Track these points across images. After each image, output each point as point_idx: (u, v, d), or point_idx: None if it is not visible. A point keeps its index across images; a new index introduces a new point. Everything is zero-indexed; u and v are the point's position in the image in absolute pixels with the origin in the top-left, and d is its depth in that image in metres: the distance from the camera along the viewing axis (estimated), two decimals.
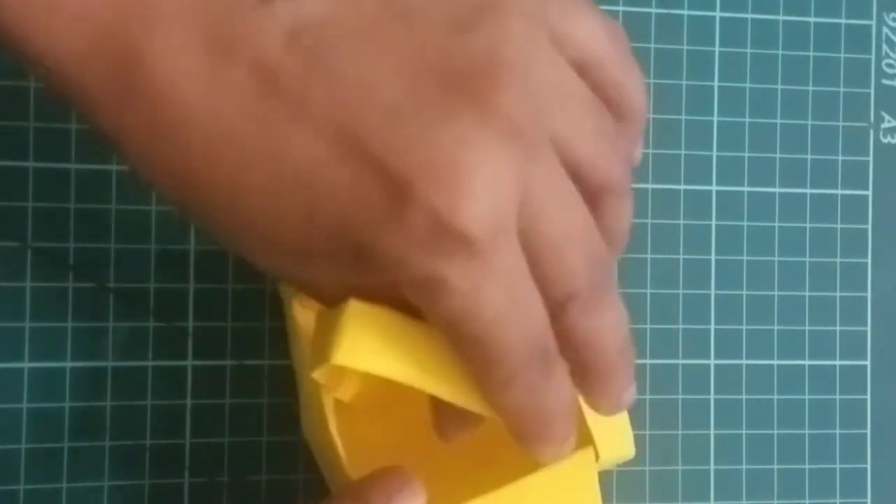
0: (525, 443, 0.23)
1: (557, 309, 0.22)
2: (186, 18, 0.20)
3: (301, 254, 0.21)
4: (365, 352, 0.22)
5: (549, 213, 0.21)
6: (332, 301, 0.23)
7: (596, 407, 0.25)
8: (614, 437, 0.29)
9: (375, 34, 0.20)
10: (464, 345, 0.22)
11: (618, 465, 0.34)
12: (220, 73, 0.20)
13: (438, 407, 0.25)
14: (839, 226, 0.36)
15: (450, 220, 0.19)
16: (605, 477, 0.34)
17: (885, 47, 0.36)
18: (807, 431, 0.35)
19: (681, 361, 0.34)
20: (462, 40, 0.20)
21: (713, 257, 0.35)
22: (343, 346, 0.22)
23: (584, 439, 0.27)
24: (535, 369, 0.22)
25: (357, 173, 0.20)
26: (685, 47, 0.35)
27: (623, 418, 0.29)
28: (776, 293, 0.35)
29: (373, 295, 0.22)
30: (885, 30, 0.36)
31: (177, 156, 0.21)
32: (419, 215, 0.19)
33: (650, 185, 0.34)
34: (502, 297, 0.21)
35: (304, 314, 0.29)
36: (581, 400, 0.25)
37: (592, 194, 0.23)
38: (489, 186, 0.20)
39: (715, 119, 0.35)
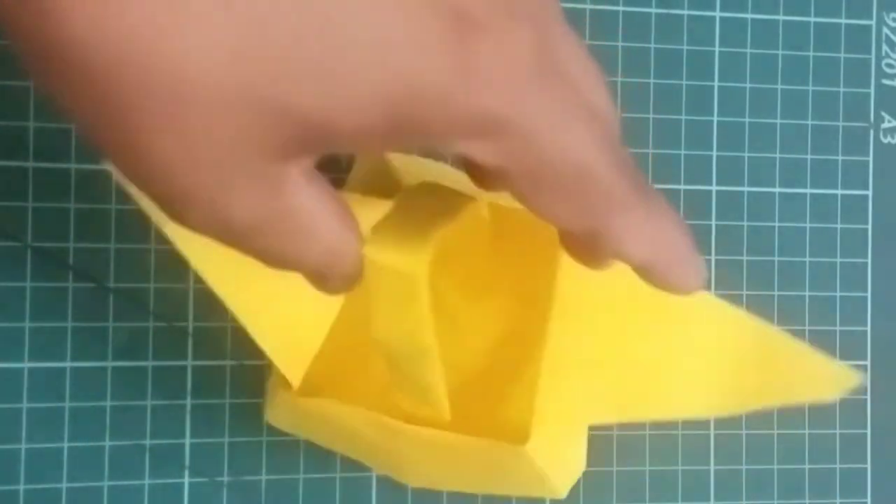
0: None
1: None
2: None
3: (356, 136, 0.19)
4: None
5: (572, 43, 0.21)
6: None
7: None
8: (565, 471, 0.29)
9: None
10: (558, 185, 0.20)
11: (618, 466, 0.34)
12: None
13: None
14: (839, 226, 0.36)
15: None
16: (605, 476, 0.34)
17: (885, 47, 0.36)
18: (807, 432, 0.35)
19: None
20: None
21: (713, 257, 0.35)
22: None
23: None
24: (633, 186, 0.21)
25: (417, 16, 0.18)
26: (685, 47, 0.35)
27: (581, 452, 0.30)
28: (776, 293, 0.35)
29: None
30: (885, 30, 0.36)
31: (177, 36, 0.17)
32: (487, 50, 0.18)
33: None
34: (583, 122, 0.20)
35: None
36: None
37: None
38: None
39: (715, 119, 0.35)
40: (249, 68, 0.17)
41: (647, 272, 0.23)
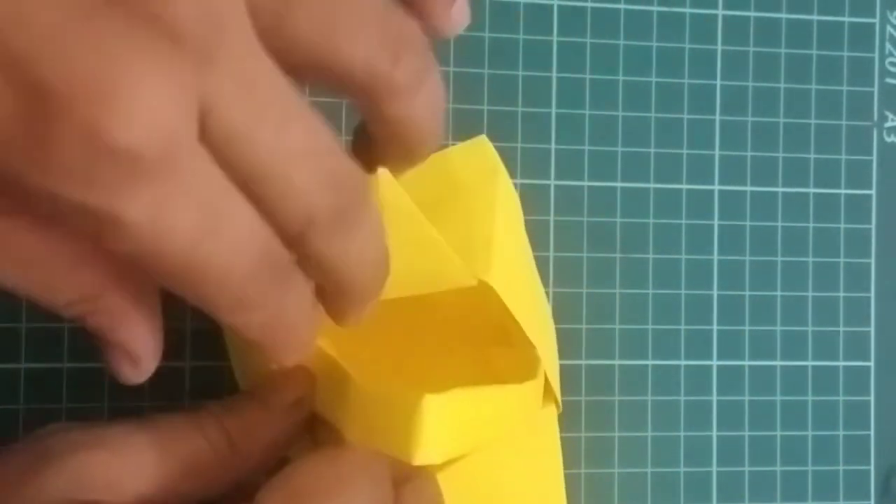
0: (268, 355, 0.22)
1: (296, 238, 0.20)
2: None
3: None
4: (443, 448, 0.24)
5: (250, 130, 0.18)
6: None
7: (338, 319, 0.23)
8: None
9: None
10: (168, 279, 0.19)
11: (619, 468, 0.33)
12: None
13: None
14: (842, 225, 0.36)
15: (104, 135, 0.16)
16: (606, 478, 0.33)
17: (888, 45, 0.36)
18: (810, 433, 0.35)
19: (683, 362, 0.34)
20: None
21: (715, 257, 0.35)
22: (422, 448, 0.23)
23: (547, 396, 0.28)
24: (265, 284, 0.20)
25: None
26: (687, 45, 0.35)
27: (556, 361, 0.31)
28: (779, 293, 0.35)
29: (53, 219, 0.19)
30: (888, 28, 0.36)
31: None
32: (68, 132, 0.16)
33: (652, 185, 0.34)
34: (195, 219, 0.18)
35: None
36: (546, 360, 0.27)
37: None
38: (148, 96, 0.17)
39: (717, 118, 0.35)
40: None
41: None
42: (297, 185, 0.19)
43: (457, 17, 0.25)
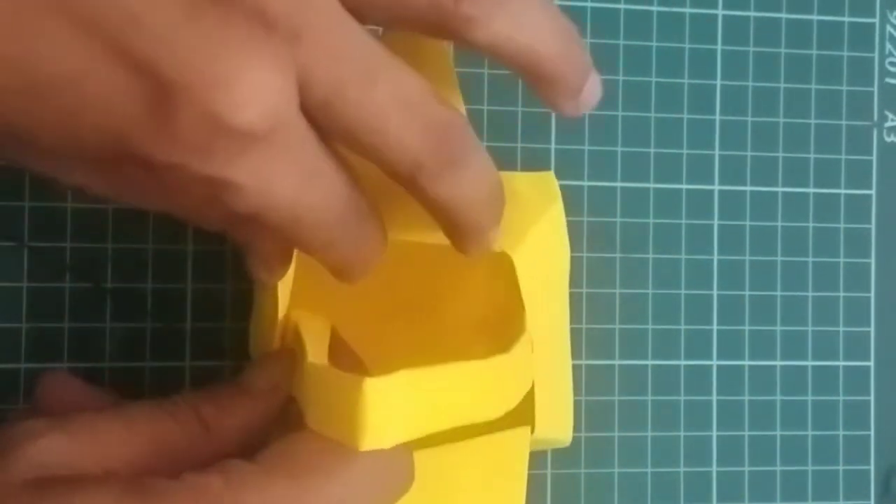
0: (341, 277, 0.25)
1: (408, 182, 0.22)
2: None
3: (74, 160, 0.21)
4: (392, 433, 0.23)
5: (340, 92, 0.21)
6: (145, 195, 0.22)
7: (461, 250, 0.25)
8: (556, 419, 0.29)
9: None
10: (273, 229, 0.22)
11: (619, 468, 0.33)
12: None
13: None
14: (842, 225, 0.36)
15: (222, 119, 0.19)
16: (606, 478, 0.33)
17: (888, 45, 0.36)
18: (810, 433, 0.35)
19: (683, 362, 0.34)
20: None
21: (715, 257, 0.35)
22: (369, 434, 0.23)
23: (526, 418, 0.28)
24: (350, 227, 0.23)
25: (119, 77, 0.19)
26: (687, 45, 0.35)
27: (568, 405, 0.30)
28: (779, 293, 0.35)
29: (174, 191, 0.21)
30: (888, 28, 0.36)
31: None
32: (190, 118, 0.19)
33: (652, 185, 0.34)
34: (294, 179, 0.21)
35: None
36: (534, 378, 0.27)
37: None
38: (255, 81, 0.19)
39: (717, 118, 0.35)
40: None
41: (530, 69, 0.23)
42: (394, 136, 0.21)
43: (587, 99, 0.25)
